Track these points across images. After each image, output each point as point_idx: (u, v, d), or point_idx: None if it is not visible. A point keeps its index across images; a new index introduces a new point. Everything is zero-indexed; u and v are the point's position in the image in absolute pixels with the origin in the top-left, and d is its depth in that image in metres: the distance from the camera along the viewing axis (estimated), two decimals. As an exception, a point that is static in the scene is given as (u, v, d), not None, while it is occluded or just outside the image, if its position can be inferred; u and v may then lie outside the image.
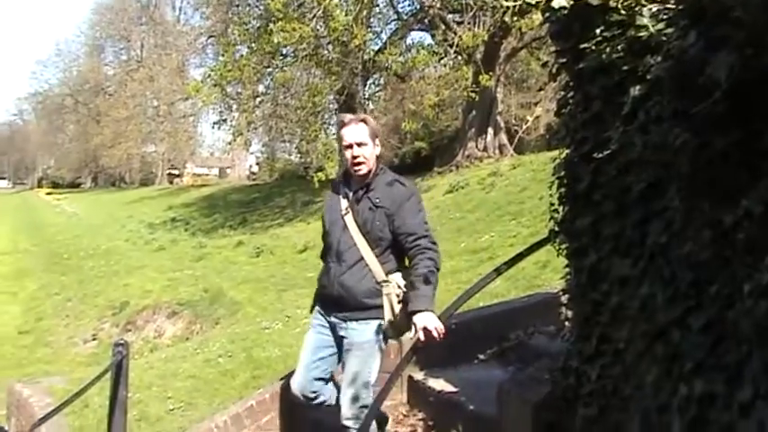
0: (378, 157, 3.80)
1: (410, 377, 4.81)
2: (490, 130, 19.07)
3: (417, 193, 3.81)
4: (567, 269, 3.35)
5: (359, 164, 3.67)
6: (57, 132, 73.90)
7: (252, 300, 10.51)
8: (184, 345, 9.48)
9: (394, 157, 25.74)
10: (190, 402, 6.50)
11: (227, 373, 6.84)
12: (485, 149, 18.92)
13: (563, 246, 3.34)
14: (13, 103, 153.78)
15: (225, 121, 21.52)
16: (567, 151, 3.24)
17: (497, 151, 19.04)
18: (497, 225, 11.24)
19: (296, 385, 3.85)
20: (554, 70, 3.33)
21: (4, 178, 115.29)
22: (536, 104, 20.04)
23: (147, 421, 6.34)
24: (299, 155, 36.95)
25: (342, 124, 3.78)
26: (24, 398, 7.15)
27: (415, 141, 24.09)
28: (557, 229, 3.40)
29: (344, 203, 3.75)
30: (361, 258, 3.63)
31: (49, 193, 58.98)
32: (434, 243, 3.66)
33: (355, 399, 3.65)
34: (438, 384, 4.57)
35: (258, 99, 21.11)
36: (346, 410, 3.65)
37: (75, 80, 65.77)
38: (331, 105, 22.29)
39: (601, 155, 2.80)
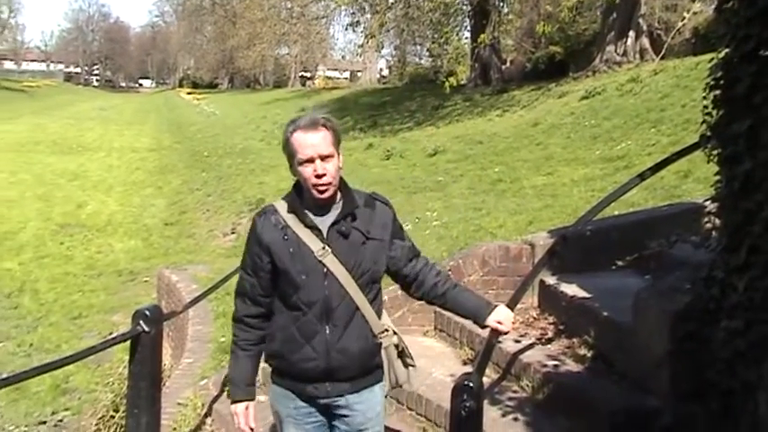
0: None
1: (542, 281, 4.81)
2: (631, 34, 18.05)
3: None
4: (718, 177, 3.19)
5: (325, 185, 2.67)
6: (195, 34, 76.42)
7: (382, 201, 10.67)
8: (317, 242, 9.80)
9: (527, 62, 24.99)
10: (323, 295, 6.78)
11: (358, 270, 7.06)
12: (624, 54, 17.99)
13: (715, 152, 3.18)
14: (155, 4, 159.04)
15: (357, 23, 21.46)
16: (726, 50, 3.03)
17: (638, 56, 18.06)
18: (635, 133, 10.80)
19: None
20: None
21: (148, 78, 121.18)
22: (694, 1, 18.65)
23: (284, 310, 6.66)
24: (429, 58, 36.61)
25: (294, 129, 2.71)
26: (173, 283, 7.70)
27: (549, 46, 23.20)
28: (709, 133, 3.22)
29: (314, 240, 2.71)
30: (357, 310, 2.75)
31: (189, 93, 61.42)
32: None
33: None
34: (570, 290, 4.55)
35: (391, 0, 20.83)
36: None
37: (212, -19, 67.08)
38: (464, 7, 21.70)
39: (766, 53, 2.61)
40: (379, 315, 2.83)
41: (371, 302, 2.79)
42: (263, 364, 2.93)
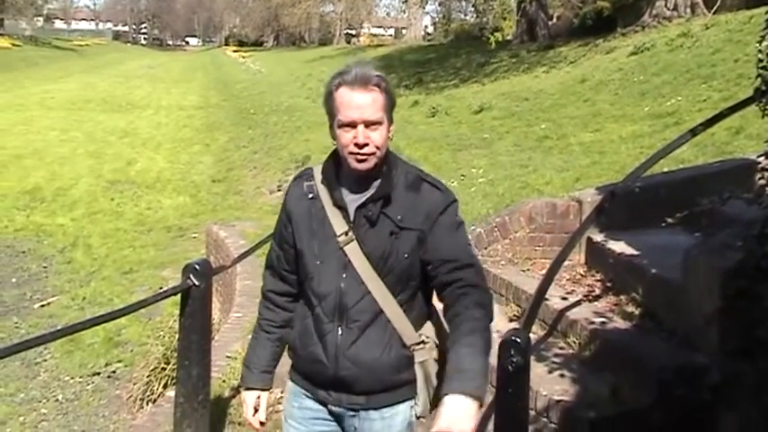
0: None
1: (589, 238, 4.78)
2: (683, -13, 17.53)
3: (456, 199, 2.33)
4: (774, 131, 3.11)
5: (366, 156, 2.18)
6: (240, -9, 76.42)
7: (427, 158, 10.62)
8: (362, 199, 9.82)
9: (574, 17, 24.44)
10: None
11: (403, 226, 7.08)
12: (675, 8, 17.47)
13: (771, 105, 3.10)
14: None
15: (403, -22, 21.14)
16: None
17: (689, 10, 17.52)
18: (685, 89, 10.55)
19: None
20: None
21: (194, 36, 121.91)
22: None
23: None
24: (475, 14, 36.05)
25: (340, 82, 2.20)
26: (221, 238, 7.82)
27: (597, 1, 22.64)
28: (764, 87, 3.13)
29: (340, 221, 2.25)
30: (380, 313, 2.24)
31: (235, 51, 61.63)
32: (483, 276, 2.31)
33: None
34: (618, 247, 4.51)
35: (436, -46, 20.49)
36: None
37: (255, -63, 66.90)
38: (511, -40, 21.26)
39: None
40: (418, 322, 2.30)
41: (405, 305, 2.26)
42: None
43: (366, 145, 2.16)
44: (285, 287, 2.45)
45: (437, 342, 2.32)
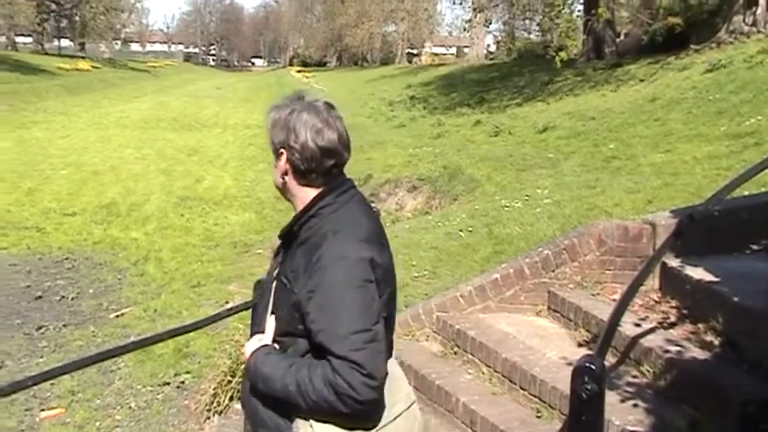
0: (305, 180, 2.06)
1: (664, 263, 4.61)
2: (762, 2, 16.95)
3: (353, 259, 1.94)
4: None
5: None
6: (306, 13, 78.08)
7: (490, 178, 10.55)
8: (425, 218, 9.80)
9: (643, 34, 24.07)
10: (433, 271, 6.75)
11: (468, 247, 6.98)
12: (753, 24, 16.92)
13: None
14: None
15: (467, -3, 21.16)
16: None
17: (768, 26, 17.02)
18: (766, 108, 10.22)
19: None
20: None
21: (260, 57, 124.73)
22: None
23: (395, 286, 6.69)
24: (539, 32, 35.82)
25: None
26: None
27: (668, 17, 22.20)
28: None
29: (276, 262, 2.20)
30: None
31: (299, 71, 62.52)
32: (368, 374, 1.86)
33: None
34: (696, 273, 4.34)
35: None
36: None
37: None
38: (578, -22, 21.06)
39: None
40: None
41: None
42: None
43: None
44: None
45: None
